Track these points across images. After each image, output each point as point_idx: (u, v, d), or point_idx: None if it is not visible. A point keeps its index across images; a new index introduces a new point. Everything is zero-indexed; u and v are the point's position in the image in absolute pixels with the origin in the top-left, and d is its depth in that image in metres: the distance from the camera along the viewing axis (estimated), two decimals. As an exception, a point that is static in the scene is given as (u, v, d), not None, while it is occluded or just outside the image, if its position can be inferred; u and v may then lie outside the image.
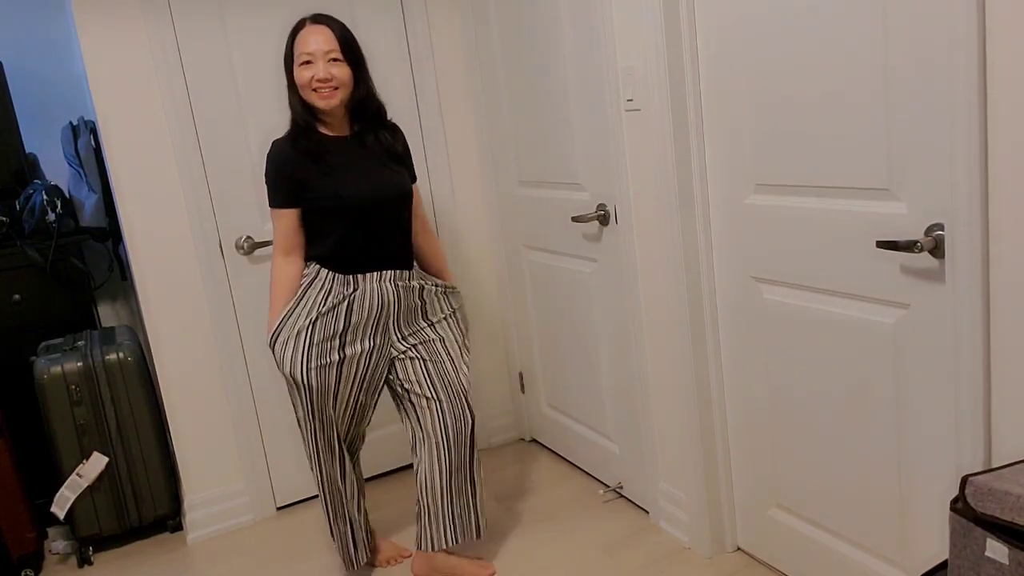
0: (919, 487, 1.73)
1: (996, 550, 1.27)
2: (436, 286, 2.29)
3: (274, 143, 2.17)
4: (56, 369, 2.58)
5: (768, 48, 1.83)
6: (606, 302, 2.55)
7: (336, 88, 2.09)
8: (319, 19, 2.11)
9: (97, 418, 2.64)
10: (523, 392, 3.24)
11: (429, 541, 2.25)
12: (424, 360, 2.23)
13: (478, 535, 2.29)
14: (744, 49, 1.90)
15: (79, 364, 2.61)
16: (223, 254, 2.76)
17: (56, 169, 3.04)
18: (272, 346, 2.15)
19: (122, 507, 2.72)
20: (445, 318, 2.30)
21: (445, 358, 2.24)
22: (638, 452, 2.55)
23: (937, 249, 1.56)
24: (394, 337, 2.23)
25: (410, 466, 3.15)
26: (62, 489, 2.62)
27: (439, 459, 2.22)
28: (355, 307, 2.15)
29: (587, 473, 2.92)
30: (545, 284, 2.89)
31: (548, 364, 3.00)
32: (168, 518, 2.81)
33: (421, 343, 2.24)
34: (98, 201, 2.82)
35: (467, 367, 2.28)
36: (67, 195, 2.88)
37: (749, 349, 2.11)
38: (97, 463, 2.64)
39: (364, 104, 2.17)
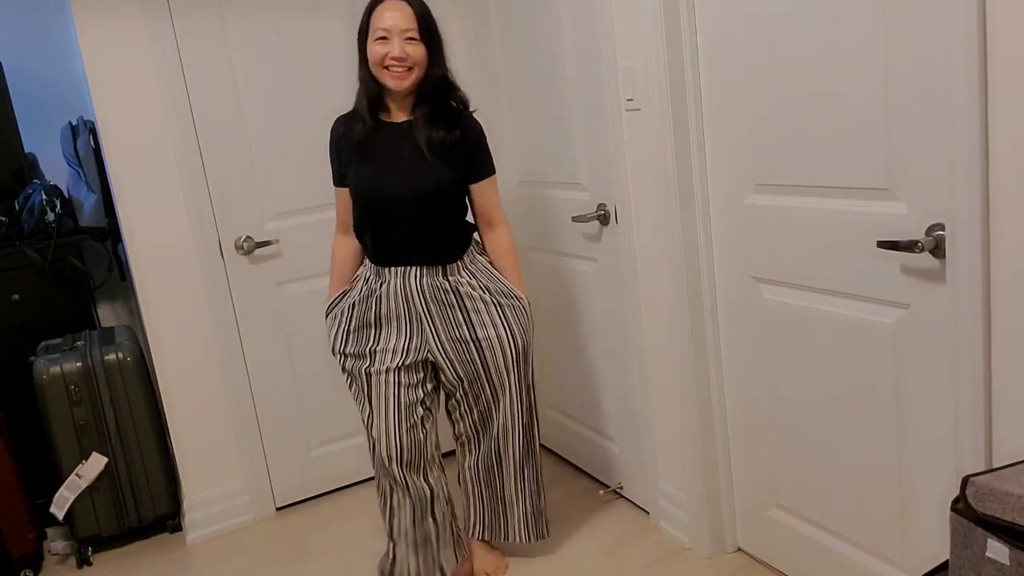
0: (919, 487, 1.73)
1: (997, 551, 1.27)
2: (478, 281, 2.13)
3: (336, 119, 2.17)
4: (55, 369, 2.58)
5: (768, 48, 1.83)
6: (606, 302, 2.55)
7: (410, 69, 1.99)
8: None
9: (96, 418, 2.64)
10: (523, 392, 3.24)
11: None
12: (455, 365, 2.15)
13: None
14: (744, 49, 1.90)
15: (78, 364, 2.60)
16: (223, 254, 2.75)
17: (55, 169, 3.03)
18: (326, 317, 2.22)
19: (121, 507, 2.71)
20: (487, 305, 2.12)
21: (480, 369, 2.15)
22: (638, 452, 2.55)
23: (938, 249, 1.56)
24: (431, 340, 2.13)
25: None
26: (61, 489, 2.62)
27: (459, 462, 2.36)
28: (382, 300, 2.12)
29: (587, 473, 2.91)
30: (545, 284, 2.88)
31: (548, 364, 3.00)
32: (168, 518, 2.81)
33: (451, 341, 2.13)
34: (97, 201, 2.82)
35: (509, 378, 2.17)
36: (66, 195, 2.88)
37: (749, 349, 2.11)
38: (96, 463, 2.64)
39: (434, 87, 2.05)
